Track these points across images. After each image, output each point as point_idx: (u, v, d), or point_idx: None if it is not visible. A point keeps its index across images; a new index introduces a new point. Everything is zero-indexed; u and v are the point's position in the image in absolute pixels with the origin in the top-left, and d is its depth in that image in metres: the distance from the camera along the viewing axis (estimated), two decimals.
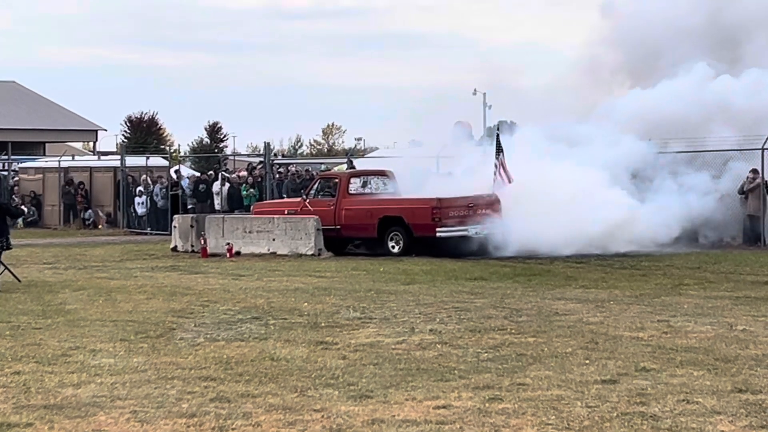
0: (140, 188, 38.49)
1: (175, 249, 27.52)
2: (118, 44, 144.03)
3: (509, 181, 25.34)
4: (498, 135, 26.06)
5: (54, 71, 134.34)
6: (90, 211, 41.10)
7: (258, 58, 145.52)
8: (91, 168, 43.08)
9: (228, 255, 25.43)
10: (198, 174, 41.21)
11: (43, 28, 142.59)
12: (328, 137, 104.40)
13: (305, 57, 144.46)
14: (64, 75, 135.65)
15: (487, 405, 8.91)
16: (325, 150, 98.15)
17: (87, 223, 40.78)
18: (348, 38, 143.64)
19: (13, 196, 42.43)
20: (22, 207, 22.79)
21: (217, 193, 36.52)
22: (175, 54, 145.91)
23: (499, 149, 25.56)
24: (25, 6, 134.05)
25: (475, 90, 72.16)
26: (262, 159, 37.07)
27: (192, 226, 27.40)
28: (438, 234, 24.60)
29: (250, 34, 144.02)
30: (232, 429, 8.27)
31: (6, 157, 47.87)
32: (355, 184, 26.81)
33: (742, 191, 26.79)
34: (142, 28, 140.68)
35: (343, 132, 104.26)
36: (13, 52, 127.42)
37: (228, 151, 75.48)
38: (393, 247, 25.18)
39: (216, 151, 71.01)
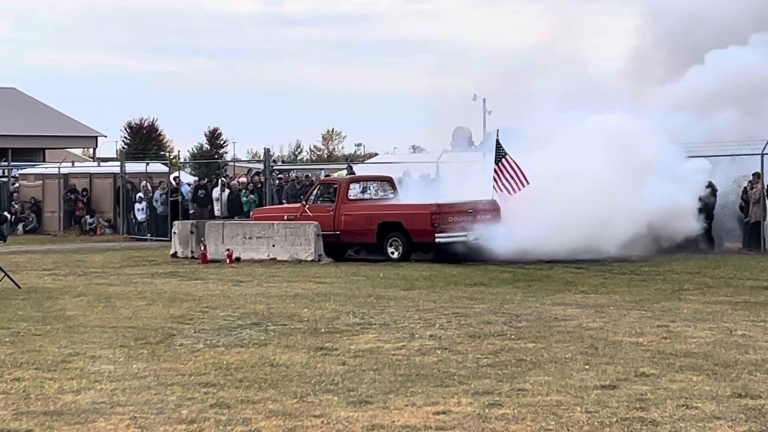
0: (140, 194, 38.49)
1: (174, 255, 27.53)
2: (118, 50, 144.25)
3: (523, 184, 24.96)
4: (498, 140, 26.02)
5: (53, 78, 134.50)
6: (95, 217, 41.06)
7: (257, 64, 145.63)
8: (90, 174, 43.09)
9: (228, 261, 25.43)
10: (197, 179, 41.24)
11: (43, 35, 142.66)
12: (328, 143, 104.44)
13: (305, 63, 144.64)
14: (63, 81, 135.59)
15: (486, 410, 8.91)
16: (325, 156, 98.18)
17: (89, 228, 40.72)
18: (347, 44, 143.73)
19: (13, 203, 42.45)
20: (5, 213, 22.62)
21: (217, 199, 36.53)
22: (175, 60, 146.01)
23: (500, 155, 25.51)
24: (24, 12, 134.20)
25: (475, 95, 72.01)
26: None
27: (192, 232, 27.41)
28: (437, 240, 24.60)
29: (249, 40, 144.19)
30: None
31: (6, 163, 47.87)
32: (354, 190, 26.84)
33: (744, 196, 26.72)
34: (141, 34, 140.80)
35: (343, 138, 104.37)
36: (12, 58, 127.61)
37: (228, 157, 75.53)
38: (392, 252, 25.19)
39: (216, 157, 71.07)
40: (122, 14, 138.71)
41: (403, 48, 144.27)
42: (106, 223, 40.58)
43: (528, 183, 24.77)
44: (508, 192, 25.09)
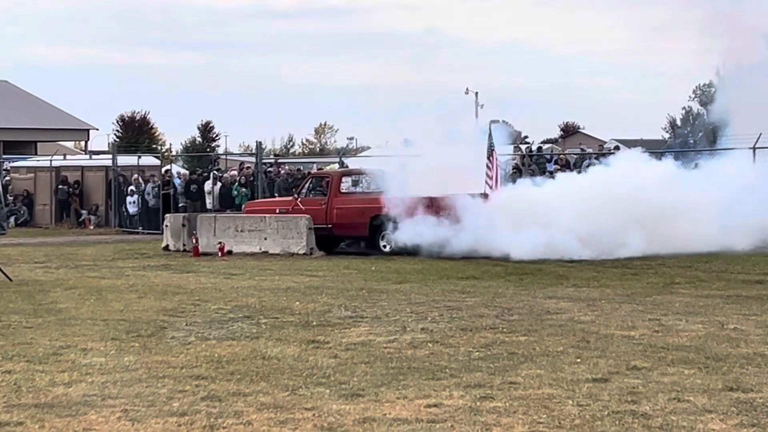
0: (132, 187, 38.45)
1: (166, 248, 27.49)
2: (108, 44, 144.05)
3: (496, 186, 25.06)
4: (490, 134, 25.99)
5: (46, 71, 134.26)
6: (88, 207, 41.01)
7: (248, 58, 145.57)
8: (82, 167, 43.05)
9: (219, 254, 25.41)
10: (186, 173, 41.19)
11: (33, 28, 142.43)
12: (320, 136, 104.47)
13: (295, 56, 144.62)
14: (55, 75, 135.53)
15: (478, 404, 8.91)
16: (318, 149, 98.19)
17: (81, 219, 40.62)
18: (336, 37, 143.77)
19: (6, 195, 42.38)
20: None
21: (209, 192, 36.49)
22: (165, 53, 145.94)
23: (492, 149, 25.50)
24: (13, 6, 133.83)
25: (467, 89, 72.20)
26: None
27: (183, 225, 27.38)
28: None
29: (238, 34, 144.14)
30: (223, 428, 8.26)
31: None
32: (346, 183, 26.82)
33: None
34: (130, 28, 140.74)
35: (336, 131, 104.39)
36: (3, 51, 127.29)
37: (220, 150, 75.50)
38: (384, 246, 25.18)
39: (208, 150, 71.02)
40: (110, 8, 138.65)
41: (392, 41, 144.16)
42: (96, 218, 40.49)
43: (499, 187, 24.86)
44: (490, 188, 25.10)
